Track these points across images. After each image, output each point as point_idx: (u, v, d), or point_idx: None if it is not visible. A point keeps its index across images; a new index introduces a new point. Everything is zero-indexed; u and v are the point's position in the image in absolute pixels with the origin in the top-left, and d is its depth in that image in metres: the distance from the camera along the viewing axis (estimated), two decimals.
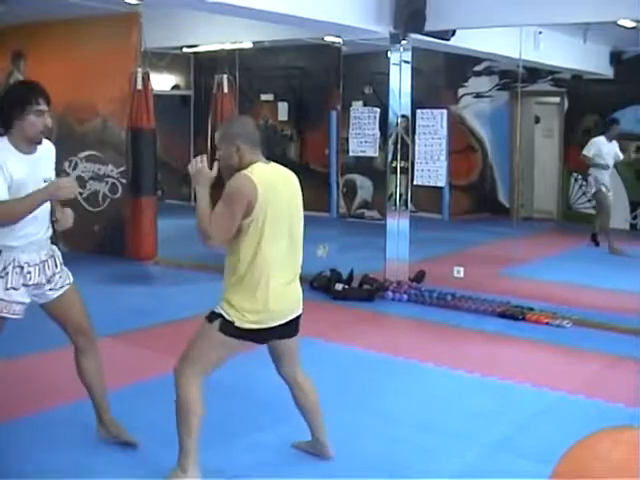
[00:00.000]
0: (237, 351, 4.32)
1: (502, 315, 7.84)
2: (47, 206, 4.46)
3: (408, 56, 8.74)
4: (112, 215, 10.72)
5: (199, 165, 4.15)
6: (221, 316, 4.12)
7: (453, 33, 8.57)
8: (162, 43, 10.54)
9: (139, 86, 9.58)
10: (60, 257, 4.70)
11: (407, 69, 8.76)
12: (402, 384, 5.97)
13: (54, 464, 4.47)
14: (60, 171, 11.15)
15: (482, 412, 5.38)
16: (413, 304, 8.39)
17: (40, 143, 4.48)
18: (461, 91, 14.60)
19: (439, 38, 8.58)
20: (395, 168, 8.77)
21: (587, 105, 13.12)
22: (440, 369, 6.28)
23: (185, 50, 11.51)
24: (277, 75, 14.58)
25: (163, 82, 12.87)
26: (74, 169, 11.07)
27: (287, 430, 4.89)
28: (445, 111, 8.62)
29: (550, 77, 13.55)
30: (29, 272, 4.47)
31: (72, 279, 4.71)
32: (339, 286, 8.65)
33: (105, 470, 4.43)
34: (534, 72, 12.50)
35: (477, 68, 14.20)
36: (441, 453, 4.73)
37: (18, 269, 4.42)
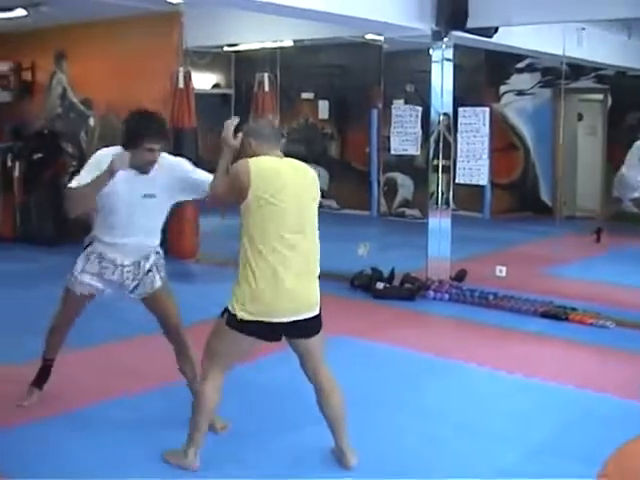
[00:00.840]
0: (246, 346, 4.34)
1: (545, 315, 7.77)
2: (150, 218, 4.86)
3: (450, 54, 8.69)
4: None
5: (230, 128, 4.42)
6: (227, 309, 4.22)
7: (496, 30, 8.50)
8: (203, 42, 10.55)
9: (181, 85, 9.62)
10: (151, 266, 5.00)
11: (449, 67, 8.72)
12: (443, 384, 5.93)
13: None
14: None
15: (524, 413, 5.33)
16: (454, 303, 8.34)
17: (146, 173, 4.75)
18: (503, 88, 14.49)
19: (481, 35, 8.53)
20: (437, 166, 8.73)
21: (631, 102, 12.95)
22: (482, 369, 6.23)
23: (226, 49, 11.52)
24: (318, 73, 14.56)
25: (204, 81, 12.90)
26: None
27: (325, 431, 4.88)
28: (487, 109, 8.56)
29: (593, 74, 13.39)
30: (106, 267, 4.94)
31: (158, 286, 5.02)
32: (380, 285, 8.62)
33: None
34: (577, 69, 12.36)
35: (519, 65, 14.08)
36: (482, 454, 4.69)
37: (98, 260, 4.95)
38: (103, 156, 4.75)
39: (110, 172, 4.57)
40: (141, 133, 4.67)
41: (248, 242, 4.13)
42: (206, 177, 4.78)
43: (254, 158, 4.22)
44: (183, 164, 5.00)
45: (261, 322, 4.15)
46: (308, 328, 4.31)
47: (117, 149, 4.75)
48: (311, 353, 4.42)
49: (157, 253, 5.06)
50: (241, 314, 4.13)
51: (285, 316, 4.18)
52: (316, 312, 4.32)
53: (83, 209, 4.90)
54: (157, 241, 5.02)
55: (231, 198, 4.22)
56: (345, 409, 4.51)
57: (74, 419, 5.13)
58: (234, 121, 4.49)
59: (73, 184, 4.78)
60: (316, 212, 4.35)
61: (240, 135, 4.42)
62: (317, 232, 4.34)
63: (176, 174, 4.88)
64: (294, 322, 4.21)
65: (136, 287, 5.00)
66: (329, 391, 4.48)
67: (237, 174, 4.15)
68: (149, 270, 4.99)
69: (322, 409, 4.50)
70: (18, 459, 4.55)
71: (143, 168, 4.72)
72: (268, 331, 4.21)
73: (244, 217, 4.15)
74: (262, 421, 5.11)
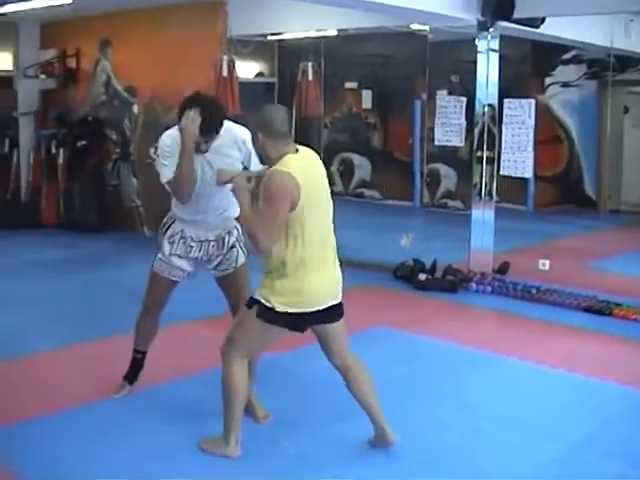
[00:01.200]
0: (274, 338, 4.38)
1: (588, 310, 7.69)
2: (224, 191, 4.67)
3: (496, 44, 8.60)
4: None
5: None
6: (259, 302, 4.20)
7: (542, 21, 8.41)
8: (247, 31, 10.55)
9: (225, 73, 9.62)
10: (234, 241, 4.99)
11: (494, 57, 8.62)
12: (484, 377, 5.89)
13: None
14: (146, 156, 11.30)
15: (566, 409, 5.28)
16: (497, 296, 8.28)
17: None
18: (548, 80, 14.32)
19: (528, 26, 8.43)
20: (481, 158, 8.65)
21: None
22: (523, 363, 6.18)
23: (269, 38, 11.51)
24: (362, 63, 14.50)
25: (247, 70, 12.90)
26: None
27: (367, 422, 4.86)
28: (533, 101, 8.45)
29: None
30: (191, 246, 4.96)
31: (241, 262, 5.01)
32: (422, 276, 8.59)
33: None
34: (624, 61, 12.18)
35: (565, 56, 13.91)
36: (523, 448, 4.66)
37: (182, 240, 4.96)
38: (167, 136, 4.83)
39: (191, 142, 4.59)
40: (208, 125, 4.66)
41: (285, 238, 4.10)
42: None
43: (287, 165, 4.06)
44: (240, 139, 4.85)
45: (300, 313, 4.18)
46: (336, 313, 4.38)
47: (174, 130, 4.77)
48: (338, 338, 4.47)
49: (237, 228, 5.02)
50: (284, 308, 4.14)
51: (325, 303, 4.25)
52: (341, 296, 4.38)
53: (191, 188, 4.72)
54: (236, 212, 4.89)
55: (278, 232, 4.08)
56: (375, 390, 4.52)
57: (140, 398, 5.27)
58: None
59: (166, 177, 4.78)
60: (330, 198, 4.34)
61: (252, 181, 4.35)
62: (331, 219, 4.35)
63: (231, 145, 4.84)
64: (329, 308, 4.29)
65: (220, 263, 5.00)
66: (358, 376, 4.52)
67: (283, 193, 4.00)
68: (232, 246, 5.00)
69: (355, 395, 4.53)
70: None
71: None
72: (304, 321, 4.26)
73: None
74: (304, 412, 5.11)
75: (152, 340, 5.33)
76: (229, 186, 4.45)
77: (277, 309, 4.15)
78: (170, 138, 4.77)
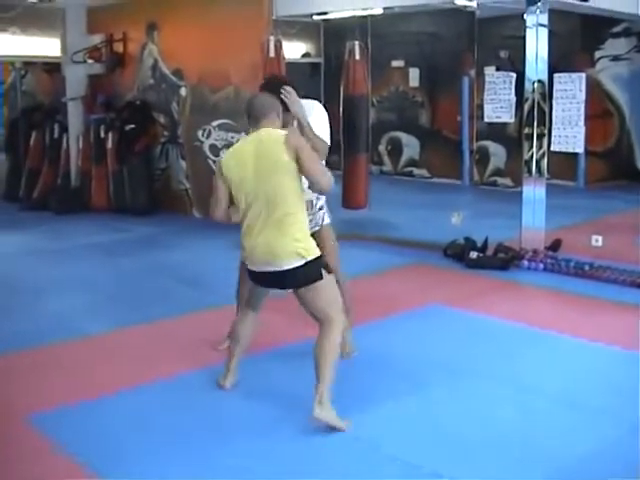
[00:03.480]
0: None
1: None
2: None
3: (545, 19, 8.48)
4: None
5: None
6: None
7: None
8: (293, 11, 10.51)
9: (272, 54, 9.59)
10: (320, 203, 5.45)
11: (544, 33, 8.50)
12: (538, 355, 5.84)
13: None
14: (194, 139, 11.34)
15: (624, 387, 5.18)
16: (549, 273, 8.19)
17: None
18: (597, 54, 14.14)
19: None
20: (531, 134, 8.55)
21: None
22: (578, 340, 6.12)
23: (315, 18, 11.47)
24: (408, 41, 14.43)
25: (294, 50, 12.88)
26: (207, 137, 11.20)
27: (420, 401, 4.85)
28: (584, 75, 8.34)
29: None
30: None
31: (326, 222, 5.53)
32: (473, 254, 8.53)
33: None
34: None
35: (615, 29, 13.73)
36: (581, 428, 4.61)
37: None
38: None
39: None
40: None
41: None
42: None
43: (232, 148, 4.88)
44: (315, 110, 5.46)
45: (249, 269, 4.80)
46: (281, 281, 4.67)
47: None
48: (306, 304, 4.70)
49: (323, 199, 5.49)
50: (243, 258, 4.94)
51: (257, 267, 4.71)
52: (284, 267, 4.56)
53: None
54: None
55: (222, 200, 4.85)
56: (326, 361, 4.53)
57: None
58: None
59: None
60: (279, 171, 4.56)
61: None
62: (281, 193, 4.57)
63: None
64: (270, 274, 4.66)
65: (309, 221, 5.14)
66: (318, 341, 4.64)
67: (218, 172, 4.80)
68: (320, 208, 5.47)
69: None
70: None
71: None
72: (254, 277, 4.82)
73: None
74: (360, 389, 5.10)
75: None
76: None
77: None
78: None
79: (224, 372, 5.15)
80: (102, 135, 12.19)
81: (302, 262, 4.53)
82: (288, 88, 5.02)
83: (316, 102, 5.51)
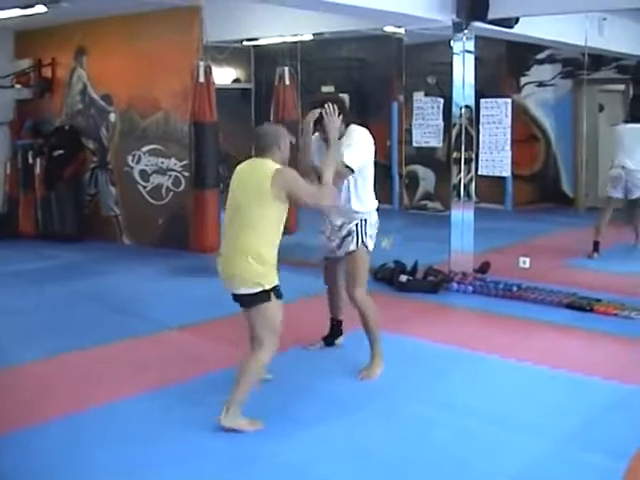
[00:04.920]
0: None
1: (569, 306, 7.72)
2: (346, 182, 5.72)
3: (471, 45, 8.62)
4: (175, 208, 10.78)
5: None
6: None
7: (516, 21, 8.46)
8: (223, 37, 10.54)
9: (201, 79, 9.59)
10: (350, 231, 5.81)
11: (470, 59, 8.64)
12: (469, 376, 5.91)
13: None
14: (124, 164, 11.29)
15: (551, 405, 5.30)
16: (478, 295, 8.30)
17: None
18: (523, 80, 14.42)
19: (502, 26, 8.48)
20: (458, 158, 8.68)
21: None
22: (507, 361, 6.20)
23: (245, 43, 11.51)
24: (338, 67, 14.52)
25: (224, 76, 12.89)
26: (137, 163, 11.16)
27: (352, 424, 4.87)
28: (510, 100, 8.49)
29: (614, 64, 13.31)
30: (327, 227, 5.93)
31: (350, 249, 5.83)
32: (403, 277, 8.60)
33: None
34: (598, 59, 12.27)
35: (540, 56, 14.01)
36: (511, 446, 4.67)
37: (327, 221, 5.91)
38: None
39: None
40: None
41: None
42: None
43: None
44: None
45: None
46: (240, 300, 4.96)
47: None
48: (251, 326, 4.98)
49: (362, 220, 5.82)
50: None
51: (224, 280, 4.98)
52: (241, 290, 4.88)
53: None
54: (362, 207, 5.83)
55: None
56: (245, 379, 4.79)
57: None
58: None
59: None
60: (256, 202, 4.82)
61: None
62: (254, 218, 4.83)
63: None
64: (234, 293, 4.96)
65: (339, 246, 5.87)
66: (244, 362, 4.89)
67: None
68: (347, 235, 5.80)
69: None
70: None
71: None
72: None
73: None
74: (290, 414, 5.10)
75: (339, 310, 6.40)
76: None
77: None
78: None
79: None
80: (30, 161, 12.03)
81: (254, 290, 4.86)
82: (330, 107, 5.45)
83: (360, 128, 5.80)
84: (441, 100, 8.86)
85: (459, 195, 8.78)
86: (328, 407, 5.21)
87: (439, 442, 4.72)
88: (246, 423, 4.75)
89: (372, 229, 5.90)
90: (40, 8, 9.50)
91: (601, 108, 13.57)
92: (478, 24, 8.49)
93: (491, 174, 8.52)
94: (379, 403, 5.28)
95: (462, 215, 8.79)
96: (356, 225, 5.78)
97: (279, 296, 4.92)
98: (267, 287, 4.81)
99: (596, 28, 9.87)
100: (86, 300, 8.26)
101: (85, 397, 5.46)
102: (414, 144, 9.18)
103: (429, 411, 5.20)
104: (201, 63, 9.64)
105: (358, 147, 5.67)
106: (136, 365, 6.06)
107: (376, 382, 5.68)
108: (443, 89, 9.16)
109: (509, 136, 8.37)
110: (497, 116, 8.36)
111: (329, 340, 6.47)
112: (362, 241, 5.79)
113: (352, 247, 5.78)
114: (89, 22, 11.25)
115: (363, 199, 5.85)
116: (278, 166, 4.89)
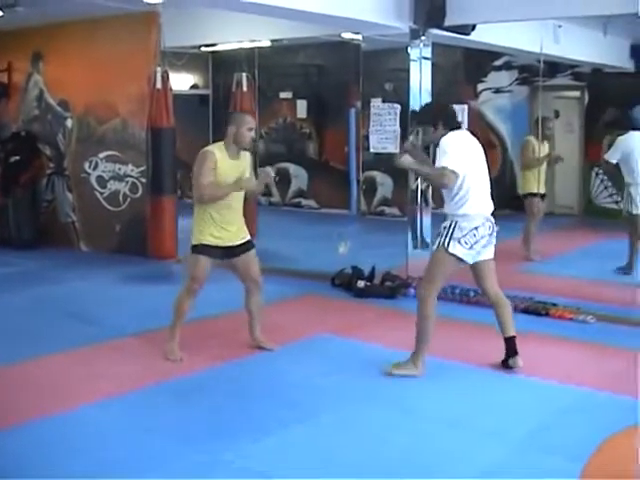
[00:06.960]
0: None
1: (525, 311, 7.79)
2: None
3: (428, 52, 8.69)
4: (133, 214, 10.73)
5: None
6: None
7: (473, 28, 8.52)
8: (181, 42, 10.53)
9: (158, 85, 9.58)
10: (441, 230, 5.97)
11: (427, 65, 8.71)
12: (427, 381, 5.92)
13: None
14: (81, 170, 11.22)
15: (509, 409, 5.36)
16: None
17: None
18: (480, 86, 14.52)
19: (459, 33, 8.54)
20: None
21: (608, 99, 13.02)
22: (465, 366, 6.24)
23: (203, 49, 11.50)
24: (296, 73, 14.56)
25: (181, 81, 12.87)
26: (94, 169, 11.10)
27: (313, 428, 4.87)
28: (466, 106, 8.57)
29: (570, 71, 13.48)
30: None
31: (434, 248, 6.09)
32: (361, 283, 8.62)
33: None
34: (553, 66, 12.41)
35: (496, 63, 14.13)
36: (468, 450, 4.70)
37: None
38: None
39: None
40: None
41: None
42: None
43: None
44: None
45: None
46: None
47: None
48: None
49: (452, 222, 5.89)
50: None
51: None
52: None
53: None
54: (450, 210, 5.93)
55: None
56: (259, 312, 6.39)
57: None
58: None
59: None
60: None
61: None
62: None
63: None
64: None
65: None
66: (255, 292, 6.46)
67: None
68: (438, 233, 6.03)
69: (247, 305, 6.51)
70: None
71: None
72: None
73: None
74: (248, 419, 5.09)
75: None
76: None
77: None
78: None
79: None
80: None
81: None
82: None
83: (452, 134, 5.95)
84: (398, 106, 8.90)
85: (416, 201, 8.82)
86: (288, 412, 5.21)
87: (395, 445, 4.74)
88: None
89: (461, 233, 5.85)
90: None
91: (557, 114, 13.70)
92: (435, 31, 8.56)
93: None
94: (337, 407, 5.29)
95: (419, 220, 8.83)
96: (444, 227, 5.91)
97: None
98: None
99: (551, 35, 9.97)
100: (42, 307, 8.18)
101: (40, 406, 5.40)
102: (371, 150, 9.22)
103: (389, 416, 5.22)
104: (158, 69, 9.65)
105: (443, 152, 5.83)
106: (92, 373, 6.01)
107: (336, 387, 5.69)
108: (400, 95, 9.19)
109: None
110: None
111: None
112: (443, 243, 5.87)
113: (434, 246, 6.03)
114: (46, 27, 11.17)
115: (456, 202, 5.89)
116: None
